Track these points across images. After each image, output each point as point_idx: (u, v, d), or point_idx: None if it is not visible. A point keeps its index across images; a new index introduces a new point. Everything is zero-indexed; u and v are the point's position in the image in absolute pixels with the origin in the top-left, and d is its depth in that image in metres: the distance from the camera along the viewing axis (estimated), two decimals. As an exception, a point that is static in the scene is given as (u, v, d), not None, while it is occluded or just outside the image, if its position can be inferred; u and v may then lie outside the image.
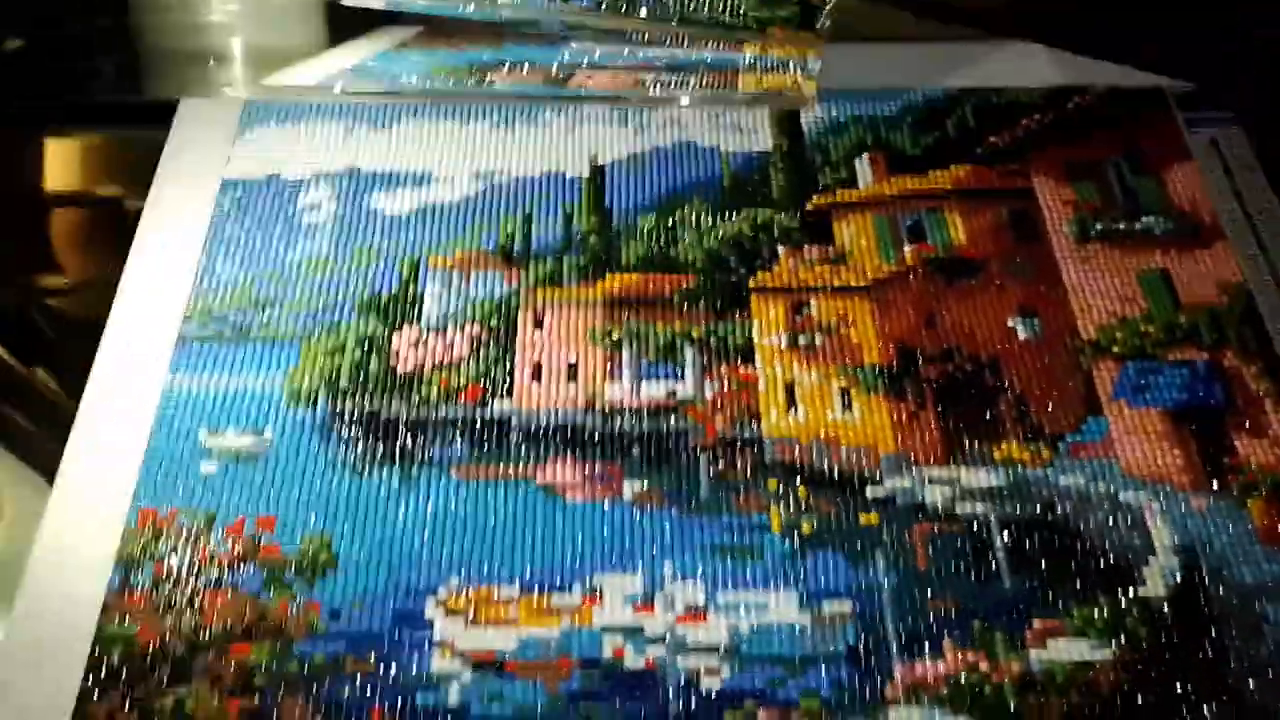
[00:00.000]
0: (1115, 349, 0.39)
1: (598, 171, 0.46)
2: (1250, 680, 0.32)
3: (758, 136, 0.47)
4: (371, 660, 0.33)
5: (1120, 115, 0.47)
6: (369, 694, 0.32)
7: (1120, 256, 0.42)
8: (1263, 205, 0.44)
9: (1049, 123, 0.47)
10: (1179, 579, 0.34)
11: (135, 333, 0.41)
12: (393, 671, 0.32)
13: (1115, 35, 0.50)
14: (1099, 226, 0.43)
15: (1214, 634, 0.33)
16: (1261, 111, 0.48)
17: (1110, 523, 0.35)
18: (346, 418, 0.38)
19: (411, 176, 0.45)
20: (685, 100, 0.47)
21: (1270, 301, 0.41)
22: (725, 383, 0.39)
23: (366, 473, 0.37)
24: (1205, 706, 0.31)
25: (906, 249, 0.43)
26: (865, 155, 0.46)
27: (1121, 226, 0.43)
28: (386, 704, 0.32)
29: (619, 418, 0.38)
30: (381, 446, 0.38)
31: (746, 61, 0.49)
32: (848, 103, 0.48)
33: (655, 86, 0.47)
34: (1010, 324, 0.40)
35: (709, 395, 0.39)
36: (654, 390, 0.39)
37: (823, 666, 0.32)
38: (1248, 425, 0.37)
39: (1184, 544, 0.35)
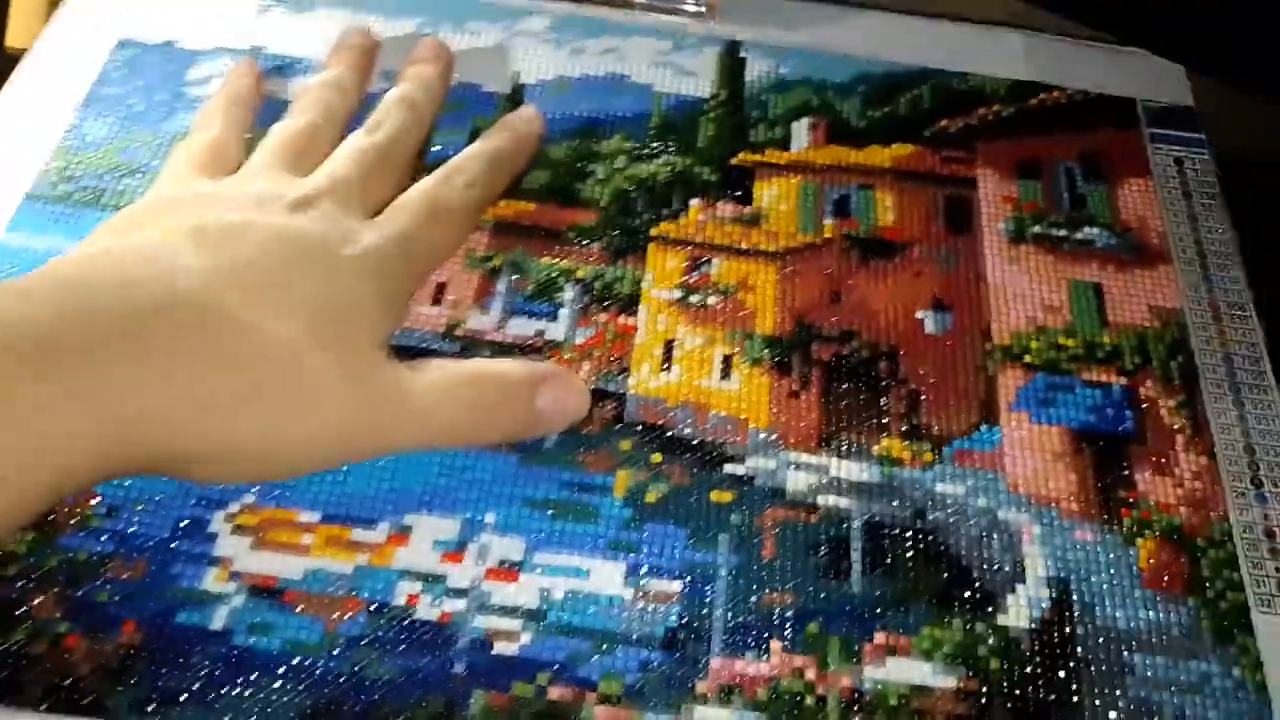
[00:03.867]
0: (1027, 358, 0.36)
1: (519, 90, 0.42)
2: (1101, 732, 0.29)
3: (698, 81, 0.43)
4: (138, 567, 0.29)
5: (1083, 120, 0.43)
6: (126, 603, 0.28)
7: (1053, 263, 0.39)
8: (1217, 235, 0.41)
9: (1007, 116, 0.43)
10: (1044, 612, 0.31)
11: (-22, 182, 0.37)
12: (159, 583, 0.29)
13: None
14: (1036, 229, 0.40)
15: (1070, 677, 0.30)
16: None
17: (983, 540, 0.32)
18: (180, 305, 0.35)
19: (316, 67, 0.42)
20: None
21: (1205, 335, 0.38)
22: (601, 330, 0.36)
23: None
24: (1044, 753, 0.28)
25: (828, 222, 0.39)
26: (806, 119, 0.42)
27: (1061, 233, 0.40)
28: (141, 616, 0.28)
29: (477, 349, 0.35)
30: (210, 341, 0.34)
31: None
32: (799, 62, 0.44)
33: None
34: (919, 315, 0.37)
35: (580, 340, 0.35)
36: (522, 327, 0.35)
37: (633, 649, 0.29)
38: (1153, 460, 0.34)
39: (1058, 575, 0.32)
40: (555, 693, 0.28)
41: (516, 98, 0.42)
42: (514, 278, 0.37)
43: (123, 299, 0.25)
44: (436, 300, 0.36)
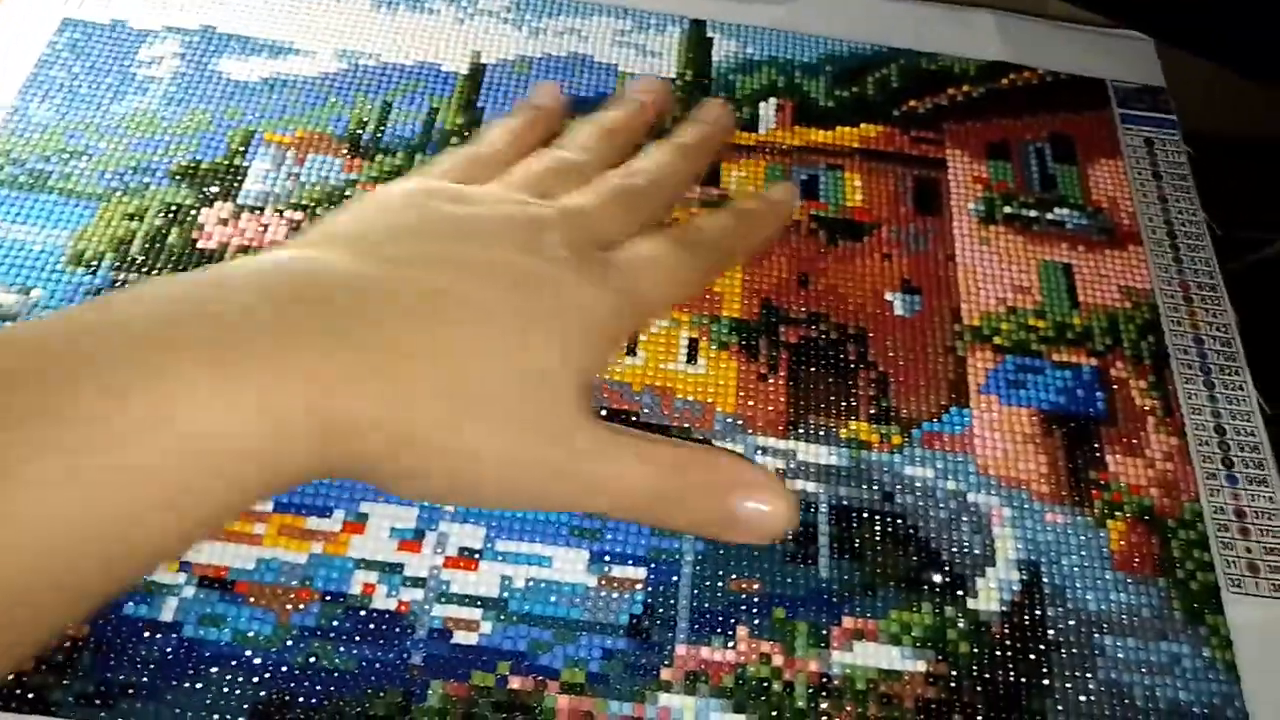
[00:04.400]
0: (997, 339, 0.36)
1: (479, 70, 0.41)
2: (1072, 716, 0.28)
3: (662, 61, 0.43)
4: (83, 559, 0.28)
5: (1053, 100, 0.43)
6: (70, 596, 0.27)
7: (1024, 244, 0.38)
8: (1188, 215, 0.40)
9: (976, 96, 0.43)
10: (1015, 595, 0.30)
11: (-91, 162, 0.36)
12: (104, 575, 0.28)
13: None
14: (1007, 210, 0.39)
15: (1041, 660, 0.29)
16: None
17: (952, 523, 0.31)
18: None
19: (270, 45, 0.41)
20: None
21: (1176, 315, 0.37)
22: (564, 314, 0.35)
23: (135, 352, 0.32)
24: (1014, 738, 0.28)
25: (796, 203, 0.39)
26: (773, 99, 0.42)
27: (1032, 214, 0.39)
28: (85, 610, 0.27)
29: (435, 334, 0.34)
30: (159, 326, 0.33)
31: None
32: (766, 41, 0.44)
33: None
34: (888, 297, 0.36)
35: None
36: (483, 310, 0.34)
37: (597, 636, 0.28)
38: (1124, 441, 0.34)
39: (1029, 558, 0.31)
40: (516, 682, 0.27)
41: (476, 78, 0.41)
42: (475, 260, 0.36)
43: (355, 292, 0.24)
44: (395, 283, 0.35)
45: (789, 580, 0.30)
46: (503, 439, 0.24)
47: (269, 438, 0.21)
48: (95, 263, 0.34)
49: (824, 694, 0.28)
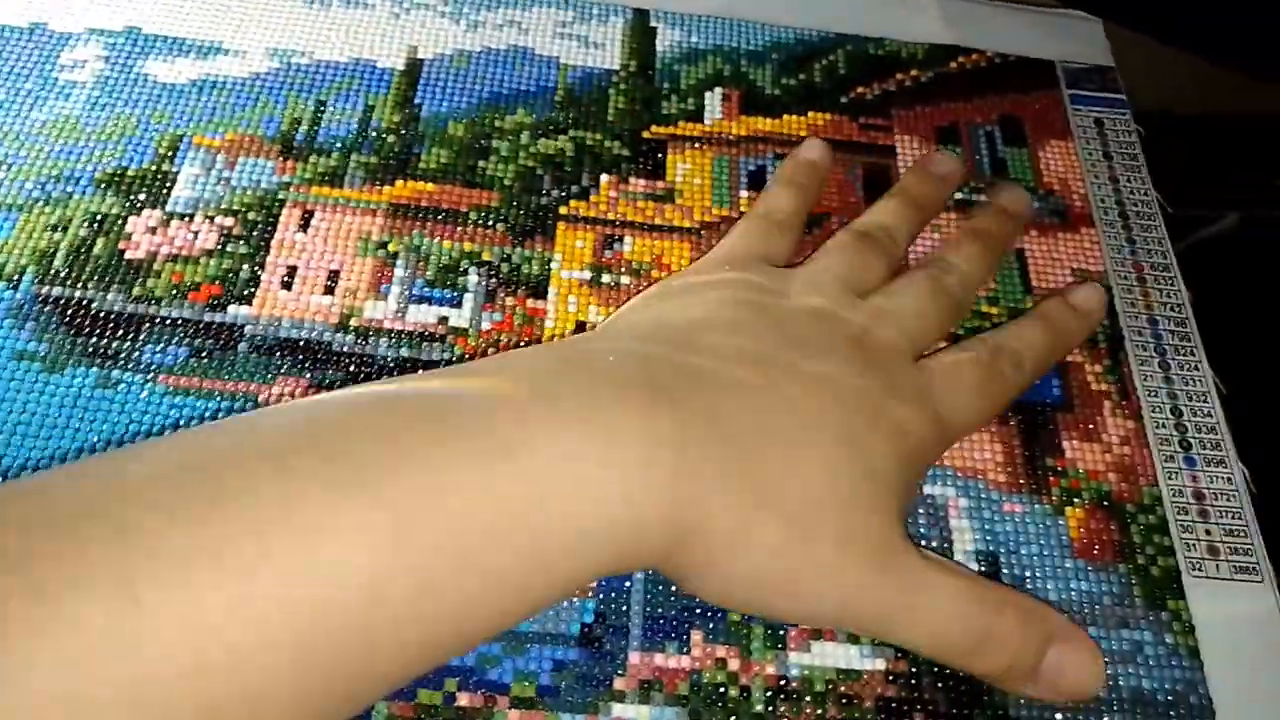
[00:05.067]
0: (951, 328, 0.35)
1: (415, 65, 0.40)
2: (1034, 709, 0.28)
3: (605, 53, 0.42)
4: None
5: (1002, 83, 0.42)
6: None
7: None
8: (1139, 196, 0.40)
9: (925, 81, 0.42)
10: (974, 588, 0.30)
11: None
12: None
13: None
14: (958, 195, 0.39)
15: (1002, 653, 0.28)
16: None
17: (909, 516, 0.31)
18: (50, 304, 0.32)
19: (198, 46, 0.39)
20: None
21: (1130, 297, 0.37)
22: (509, 314, 0.34)
23: (60, 369, 0.31)
24: (977, 734, 0.27)
25: (744, 194, 0.38)
26: (719, 89, 0.41)
27: (982, 198, 0.39)
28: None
29: (374, 340, 0.33)
30: (84, 341, 0.32)
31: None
32: (710, 29, 0.43)
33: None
34: (840, 287, 0.35)
35: (487, 326, 0.33)
36: (424, 314, 0.34)
37: (547, 648, 0.27)
38: (1081, 427, 0.33)
39: (987, 549, 0.31)
40: (465, 699, 0.26)
41: (413, 74, 0.40)
42: (413, 263, 0.35)
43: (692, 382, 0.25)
44: (329, 290, 0.34)
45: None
46: (834, 559, 0.24)
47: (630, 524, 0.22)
48: (17, 277, 0.33)
49: (782, 696, 0.27)
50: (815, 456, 0.24)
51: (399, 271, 0.34)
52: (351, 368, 0.32)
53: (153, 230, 0.34)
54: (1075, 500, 0.32)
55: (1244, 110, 0.53)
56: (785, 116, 0.40)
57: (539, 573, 0.21)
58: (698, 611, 0.28)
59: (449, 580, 0.20)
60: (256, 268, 0.34)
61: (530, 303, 0.34)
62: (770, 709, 0.27)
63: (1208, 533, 0.32)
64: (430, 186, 0.37)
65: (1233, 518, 0.32)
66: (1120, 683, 0.28)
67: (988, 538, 0.31)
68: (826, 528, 0.24)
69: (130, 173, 0.36)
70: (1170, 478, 0.33)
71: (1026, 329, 0.32)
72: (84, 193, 0.35)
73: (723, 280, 0.29)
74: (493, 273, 0.35)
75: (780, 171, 0.36)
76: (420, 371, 0.29)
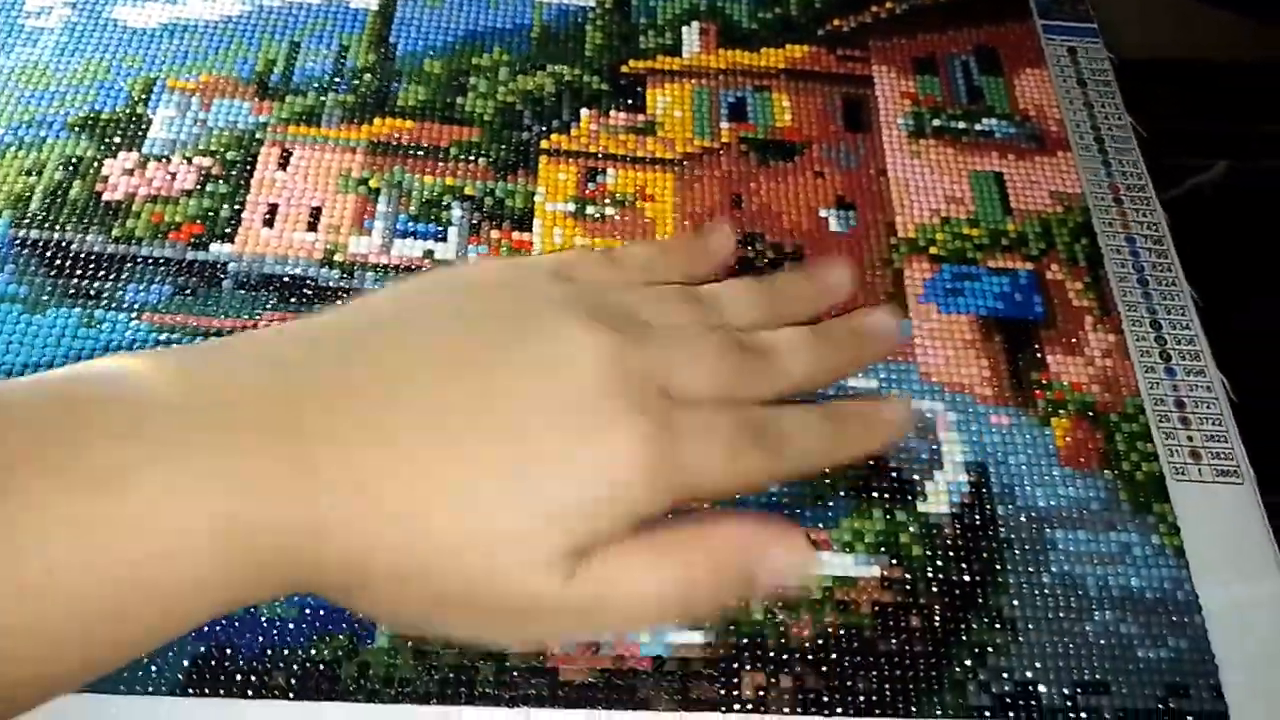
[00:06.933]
0: (933, 250, 0.35)
1: (389, 4, 0.40)
2: (1028, 609, 0.28)
3: (580, -9, 0.41)
4: None
5: (976, 13, 0.43)
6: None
7: (954, 155, 0.38)
8: (1114, 120, 0.40)
9: (900, 13, 0.42)
10: (964, 496, 0.30)
11: None
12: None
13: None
14: (936, 123, 0.39)
15: (994, 558, 0.29)
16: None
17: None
18: (29, 246, 0.32)
19: (157, 32, 0.39)
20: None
21: (1107, 217, 0.37)
22: (495, 247, 0.34)
23: (40, 310, 0.31)
24: (975, 634, 0.28)
25: (724, 126, 0.38)
26: (696, 23, 0.41)
27: (961, 125, 0.39)
28: None
29: (360, 275, 0.33)
30: (65, 282, 0.31)
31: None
32: (685, -34, 0.43)
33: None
34: (823, 214, 0.36)
35: (472, 259, 0.33)
36: (409, 248, 0.33)
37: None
38: (1063, 341, 0.34)
39: (976, 460, 0.31)
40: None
41: (387, 13, 0.39)
42: (395, 198, 0.34)
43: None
44: (312, 226, 0.33)
45: (739, 496, 0.29)
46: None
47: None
48: (-8, 221, 0.32)
49: (780, 604, 0.28)
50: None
51: (381, 206, 0.34)
52: (339, 302, 0.32)
53: (129, 172, 0.34)
54: (1060, 411, 0.32)
55: (1230, 57, 0.53)
56: (763, 49, 0.40)
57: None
58: (694, 528, 0.29)
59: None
60: (237, 206, 0.33)
61: (516, 235, 0.34)
62: (770, 617, 0.27)
63: (1189, 439, 0.32)
64: (409, 124, 0.36)
65: (1213, 424, 0.33)
66: (1110, 582, 0.29)
67: (976, 449, 0.31)
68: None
69: (104, 116, 0.35)
70: (1152, 387, 0.33)
71: (806, 415, 0.23)
72: (57, 136, 0.34)
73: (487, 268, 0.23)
74: (476, 206, 0.35)
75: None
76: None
